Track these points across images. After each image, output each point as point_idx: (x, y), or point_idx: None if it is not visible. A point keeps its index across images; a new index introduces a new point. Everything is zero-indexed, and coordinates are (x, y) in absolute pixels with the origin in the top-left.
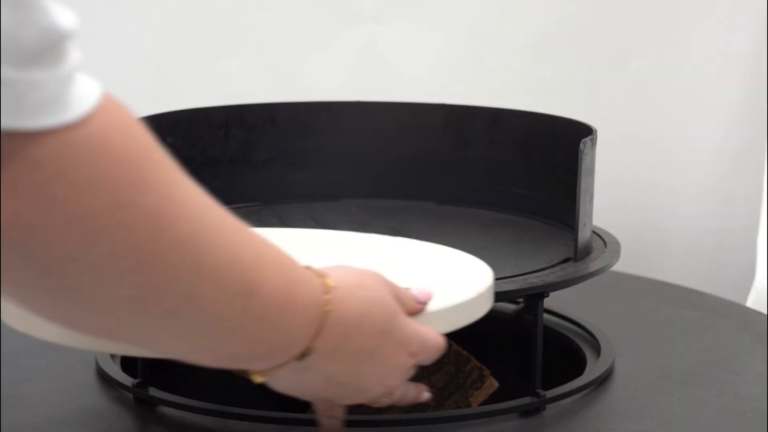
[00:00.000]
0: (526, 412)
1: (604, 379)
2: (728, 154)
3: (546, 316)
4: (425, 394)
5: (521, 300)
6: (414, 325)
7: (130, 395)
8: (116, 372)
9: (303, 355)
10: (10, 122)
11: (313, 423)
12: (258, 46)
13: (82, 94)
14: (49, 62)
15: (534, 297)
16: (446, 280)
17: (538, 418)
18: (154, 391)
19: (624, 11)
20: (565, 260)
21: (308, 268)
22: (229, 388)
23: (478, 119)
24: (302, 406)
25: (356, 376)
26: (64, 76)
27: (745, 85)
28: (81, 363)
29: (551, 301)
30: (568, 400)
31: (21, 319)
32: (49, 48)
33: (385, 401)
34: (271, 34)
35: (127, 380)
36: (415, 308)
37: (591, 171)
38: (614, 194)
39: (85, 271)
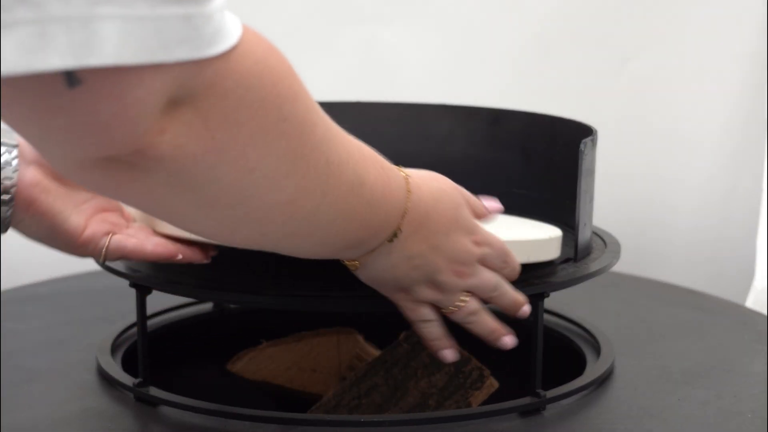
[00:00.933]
0: (526, 412)
1: (604, 380)
2: (728, 153)
3: (546, 316)
4: (525, 308)
5: None
6: (476, 221)
7: (131, 395)
8: (117, 372)
9: (393, 236)
10: (197, 53)
11: (313, 423)
12: None
13: (232, 23)
14: None
15: (534, 297)
16: (524, 228)
17: (538, 418)
18: (154, 391)
19: (624, 11)
20: (565, 260)
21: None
22: (229, 388)
23: (478, 119)
24: (302, 406)
25: (432, 257)
26: (220, 8)
27: (745, 85)
28: (82, 363)
29: (551, 301)
30: (568, 400)
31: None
32: None
33: (461, 301)
34: (271, 34)
35: (127, 380)
36: (482, 211)
37: (591, 171)
38: (614, 194)
39: (259, 181)
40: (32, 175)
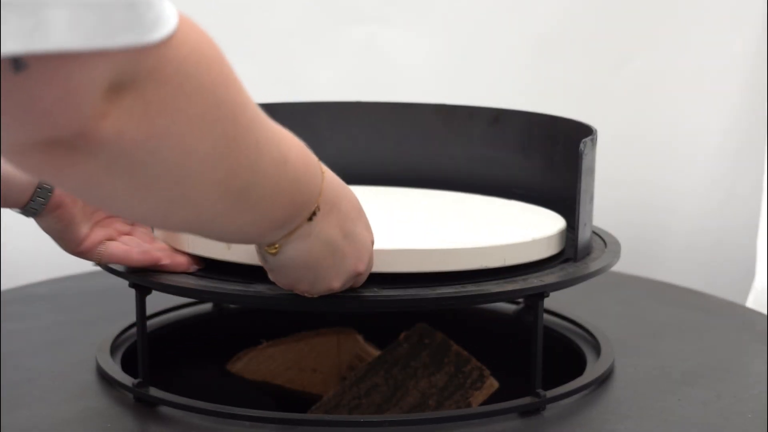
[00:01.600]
0: (526, 412)
1: (604, 380)
2: (728, 153)
3: (546, 316)
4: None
5: (521, 300)
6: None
7: (131, 395)
8: (117, 372)
9: (312, 215)
10: (140, 39)
11: (313, 423)
12: (258, 46)
13: (170, 10)
14: None
15: (534, 297)
16: (520, 222)
17: (538, 418)
18: (154, 391)
19: (624, 11)
20: (565, 260)
21: None
22: (229, 388)
23: (478, 119)
24: (302, 406)
25: (342, 248)
26: None
27: (745, 85)
28: (81, 363)
29: (551, 301)
30: (568, 400)
31: None
32: None
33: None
34: (271, 34)
35: (127, 380)
36: None
37: (591, 171)
38: (614, 194)
39: (196, 163)
40: None
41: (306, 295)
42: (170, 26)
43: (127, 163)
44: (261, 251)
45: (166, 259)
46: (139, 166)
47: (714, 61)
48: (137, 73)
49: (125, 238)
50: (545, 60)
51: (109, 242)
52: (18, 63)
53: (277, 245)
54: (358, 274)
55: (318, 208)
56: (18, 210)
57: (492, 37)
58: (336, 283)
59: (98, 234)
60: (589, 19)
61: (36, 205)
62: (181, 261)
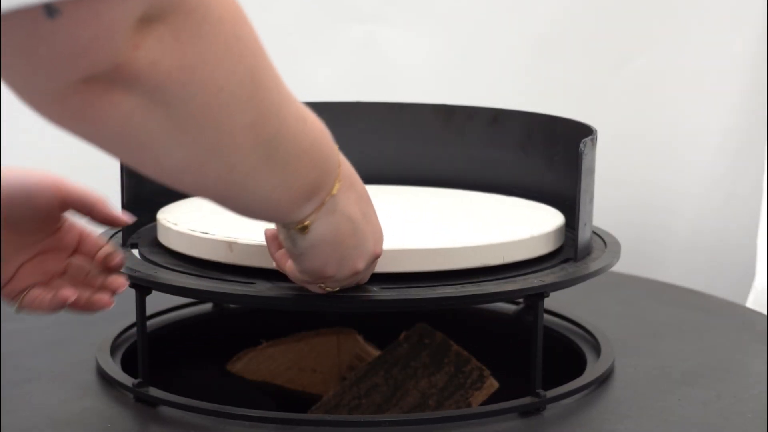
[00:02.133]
0: (526, 412)
1: (604, 380)
2: (728, 153)
3: (546, 316)
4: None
5: (521, 300)
6: None
7: (131, 395)
8: (116, 372)
9: (334, 188)
10: None
11: (313, 423)
12: None
13: None
14: None
15: (534, 297)
16: (520, 217)
17: (538, 418)
18: (154, 391)
19: (624, 11)
20: (565, 260)
21: None
22: (229, 388)
23: (478, 119)
24: (302, 406)
25: (363, 228)
26: None
27: (745, 85)
28: (81, 363)
29: (551, 301)
30: (568, 400)
31: None
32: None
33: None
34: (271, 34)
35: (127, 380)
36: None
37: (591, 171)
38: (614, 194)
39: (227, 101)
40: None
41: (331, 284)
42: None
43: (161, 98)
44: (290, 234)
45: (81, 300)
46: (173, 101)
47: (714, 61)
48: (165, 5)
49: (55, 282)
50: (545, 60)
51: (32, 290)
52: (50, 9)
53: (307, 221)
54: (376, 257)
55: (338, 179)
56: None
57: (492, 36)
58: (360, 263)
59: (23, 278)
60: (589, 19)
61: None
62: (99, 300)
